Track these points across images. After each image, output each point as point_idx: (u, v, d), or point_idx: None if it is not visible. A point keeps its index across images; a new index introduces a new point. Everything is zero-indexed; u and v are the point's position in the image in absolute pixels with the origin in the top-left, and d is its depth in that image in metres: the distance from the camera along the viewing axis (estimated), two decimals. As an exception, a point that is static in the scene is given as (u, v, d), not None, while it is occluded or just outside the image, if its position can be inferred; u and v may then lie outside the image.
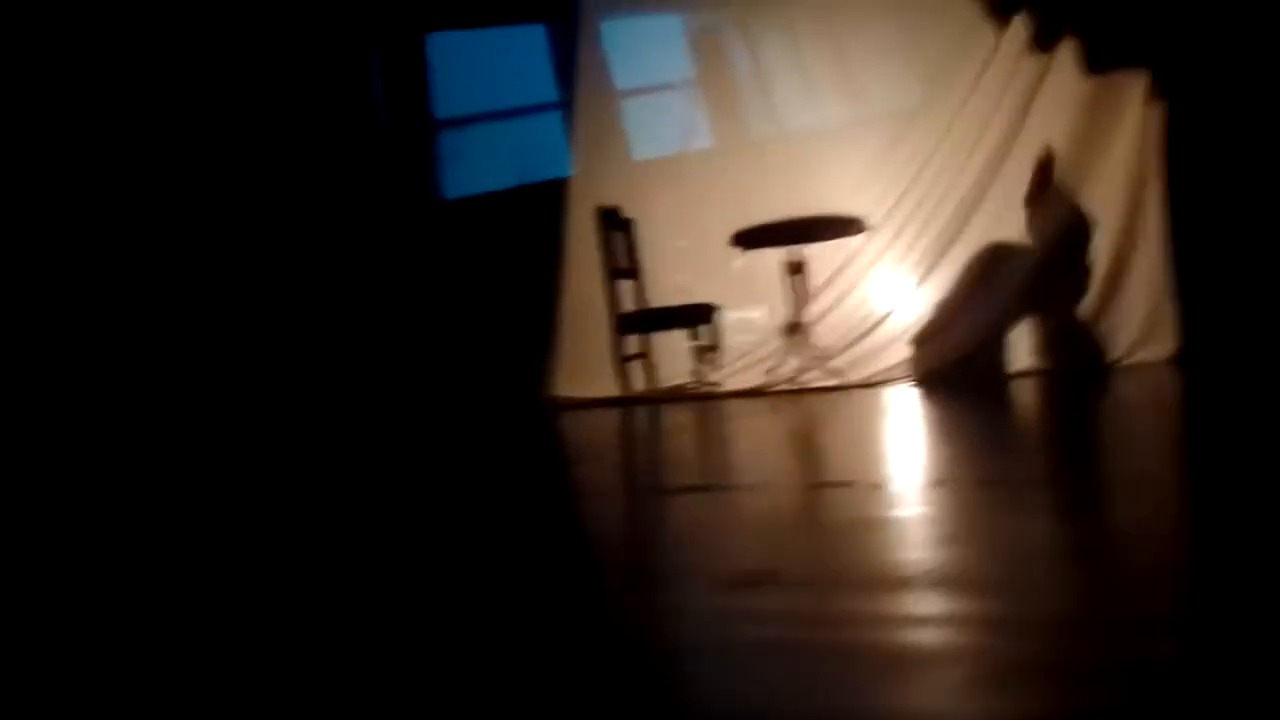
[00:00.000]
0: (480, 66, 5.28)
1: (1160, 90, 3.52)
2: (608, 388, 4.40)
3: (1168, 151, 3.53)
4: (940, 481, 1.76)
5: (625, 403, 4.30)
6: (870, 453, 2.49)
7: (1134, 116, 3.62)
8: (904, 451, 2.43)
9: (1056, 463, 2.01)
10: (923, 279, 4.08)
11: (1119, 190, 3.68)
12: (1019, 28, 3.79)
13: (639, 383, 4.42)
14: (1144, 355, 3.58)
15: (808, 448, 2.69)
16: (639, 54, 4.83)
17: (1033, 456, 2.16)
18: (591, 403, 4.36)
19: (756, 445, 2.81)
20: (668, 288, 4.55)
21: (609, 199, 4.55)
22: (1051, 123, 3.81)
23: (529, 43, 5.18)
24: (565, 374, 4.60)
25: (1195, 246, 3.53)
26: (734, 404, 4.01)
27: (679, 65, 4.76)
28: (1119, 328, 3.64)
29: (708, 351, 4.31)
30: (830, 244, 4.16)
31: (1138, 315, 3.61)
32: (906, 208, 4.10)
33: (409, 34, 5.38)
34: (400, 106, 5.41)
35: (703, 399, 4.23)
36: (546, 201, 4.83)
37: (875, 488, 1.66)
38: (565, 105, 5.00)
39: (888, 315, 4.09)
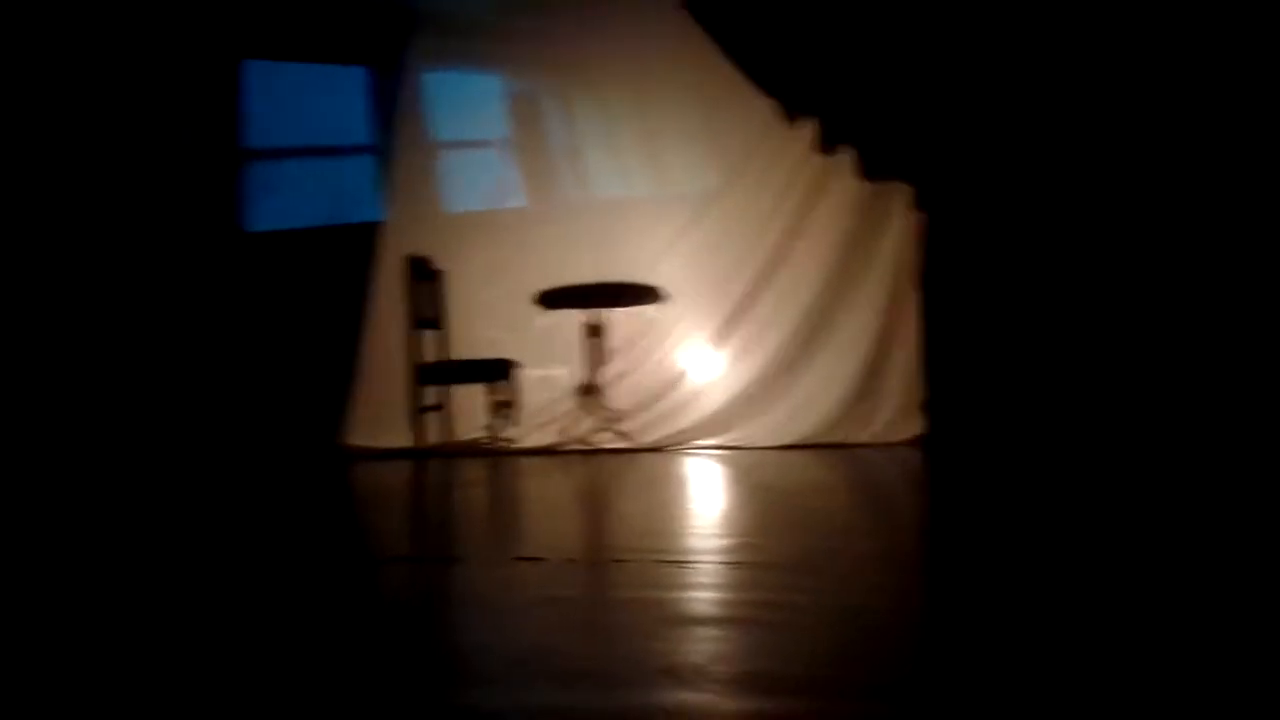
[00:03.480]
0: (296, 100, 5.17)
1: (920, 201, 3.98)
2: (402, 438, 4.38)
3: (924, 256, 3.97)
4: (621, 555, 1.94)
5: (419, 454, 4.29)
6: (603, 523, 2.66)
7: (898, 221, 4.06)
8: (640, 521, 2.61)
9: (779, 535, 2.23)
10: (713, 350, 4.35)
11: (883, 285, 4.10)
12: (805, 130, 4.17)
13: (434, 435, 4.43)
14: (895, 435, 3.98)
15: (538, 514, 2.83)
16: (458, 108, 4.90)
17: (767, 531, 2.38)
18: (385, 453, 4.32)
19: (499, 510, 2.93)
20: (472, 341, 4.60)
21: (419, 248, 4.56)
22: (831, 217, 4.19)
23: (348, 83, 5.12)
24: (361, 422, 4.54)
25: (943, 341, 3.98)
26: (525, 461, 4.11)
27: (496, 124, 4.87)
28: (877, 409, 4.03)
29: (504, 407, 4.39)
30: (629, 310, 4.37)
31: (892, 399, 4.02)
32: (702, 282, 4.37)
33: (222, 60, 5.19)
34: (208, 133, 5.19)
35: (496, 454, 4.29)
36: (355, 244, 4.77)
37: (570, 562, 1.82)
38: (380, 150, 4.98)
39: (678, 382, 4.33)
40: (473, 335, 4.62)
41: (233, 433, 4.62)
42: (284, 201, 5.17)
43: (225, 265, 5.07)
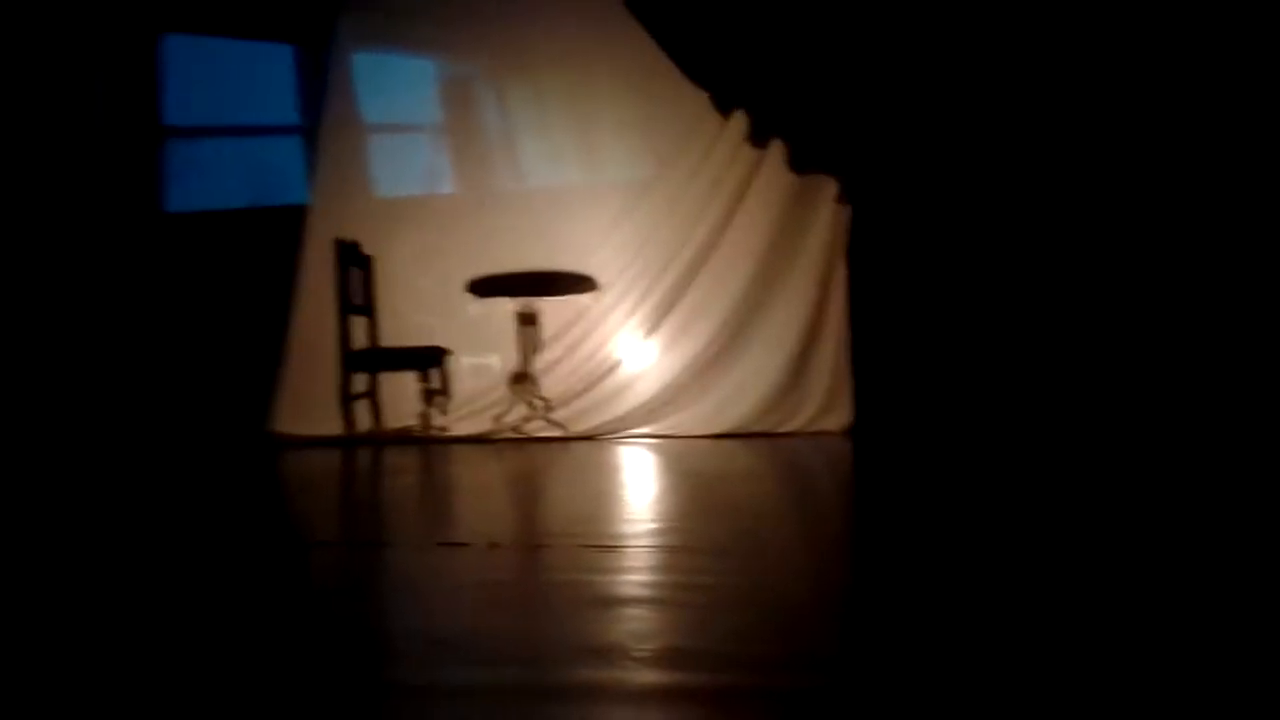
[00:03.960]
0: (219, 77, 5.02)
1: (846, 195, 4.07)
2: (331, 426, 4.31)
3: (851, 248, 4.07)
4: (549, 540, 1.96)
5: (348, 442, 4.23)
6: (533, 510, 2.68)
7: (826, 214, 4.15)
8: (569, 508, 2.64)
9: (709, 519, 2.28)
10: (644, 339, 4.38)
11: (812, 277, 4.18)
12: (738, 123, 4.22)
13: (364, 422, 4.37)
14: (823, 425, 4.08)
15: (468, 501, 2.83)
16: (389, 91, 4.82)
17: (696, 516, 2.43)
18: (313, 440, 4.25)
19: (429, 496, 2.93)
20: (403, 328, 4.54)
21: (348, 232, 4.49)
22: (761, 208, 4.26)
23: (275, 61, 5.00)
24: (288, 409, 4.45)
25: (870, 332, 4.08)
26: (457, 449, 4.09)
27: (428, 108, 4.81)
28: (805, 399, 4.12)
29: (436, 395, 4.36)
30: (562, 299, 4.37)
31: (820, 389, 4.11)
32: (634, 272, 4.40)
33: (140, 33, 5.00)
34: (125, 109, 5.00)
35: (427, 442, 4.26)
36: (281, 227, 4.66)
37: (494, 547, 1.84)
38: (307, 131, 4.87)
39: (610, 372, 4.35)
40: (403, 322, 4.57)
41: (156, 420, 4.48)
42: (206, 182, 5.03)
43: (144, 247, 4.91)
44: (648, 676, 1.10)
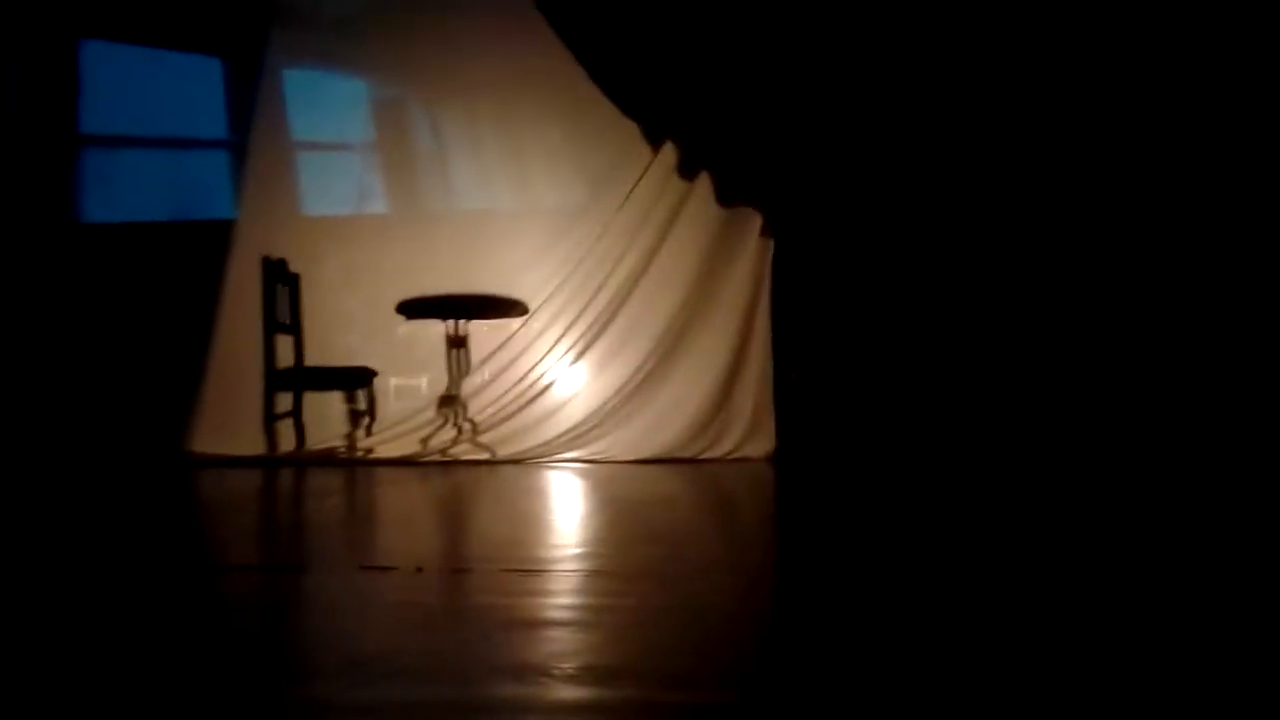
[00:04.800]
0: (142, 87, 4.91)
1: (771, 229, 4.20)
2: (253, 445, 4.23)
3: (773, 280, 4.20)
4: (474, 564, 1.98)
5: (270, 463, 4.15)
6: (457, 533, 2.69)
7: (751, 246, 4.26)
8: (493, 532, 2.65)
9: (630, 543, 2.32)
10: (572, 365, 4.42)
11: (737, 307, 4.28)
12: (667, 154, 4.32)
13: (287, 443, 4.29)
14: (746, 452, 4.17)
15: (392, 524, 2.83)
16: (321, 108, 4.79)
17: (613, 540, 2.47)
18: (233, 460, 4.15)
19: (352, 519, 2.91)
20: (329, 347, 4.49)
21: (275, 250, 4.43)
22: (689, 239, 4.35)
23: (202, 74, 4.91)
24: (208, 427, 4.34)
25: (792, 362, 4.20)
26: (381, 471, 4.05)
27: (360, 127, 4.79)
28: (729, 426, 4.21)
29: (362, 416, 4.31)
30: (492, 322, 4.38)
31: (744, 417, 4.20)
32: (563, 297, 4.44)
33: (58, 37, 4.86)
34: (39, 114, 4.85)
35: (351, 464, 4.21)
36: (205, 242, 4.57)
37: (419, 571, 1.85)
38: (234, 146, 4.80)
39: (538, 396, 4.37)
40: (329, 341, 4.52)
41: (68, 437, 4.32)
42: (126, 193, 4.90)
43: (57, 256, 4.74)
44: (567, 692, 1.14)
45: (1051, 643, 1.35)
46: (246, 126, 4.69)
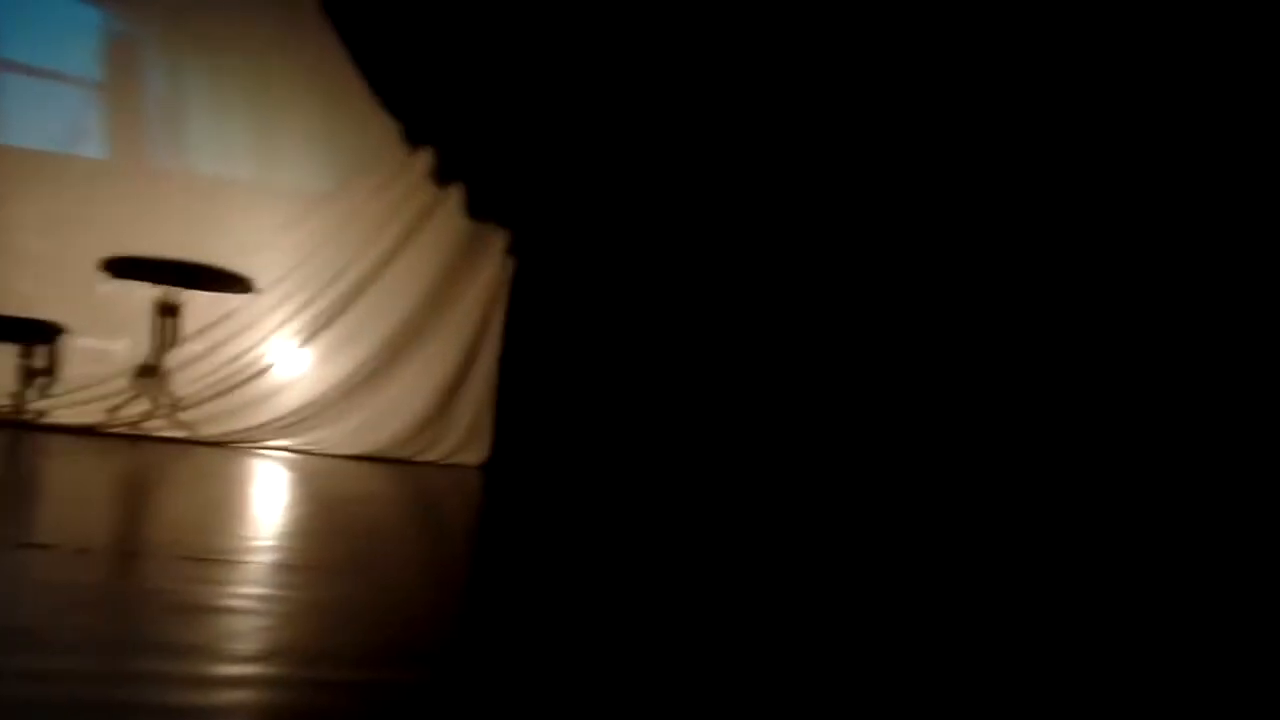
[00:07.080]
0: None
1: (515, 249, 4.34)
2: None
3: (510, 298, 4.33)
4: (148, 548, 1.94)
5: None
6: (134, 515, 2.56)
7: (494, 261, 4.39)
8: (177, 516, 2.56)
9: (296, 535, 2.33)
10: (296, 353, 4.28)
11: (471, 318, 4.38)
12: (423, 158, 4.34)
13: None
14: (460, 458, 4.26)
15: (60, 500, 2.65)
16: (36, 29, 4.28)
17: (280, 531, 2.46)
18: None
19: (12, 490, 2.68)
20: (6, 294, 4.00)
21: (-46, 175, 3.89)
22: (434, 244, 4.39)
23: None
24: None
25: (516, 379, 4.35)
26: (56, 439, 3.69)
27: (83, 59, 4.33)
28: (446, 432, 4.28)
29: (40, 375, 3.88)
30: (212, 295, 4.13)
31: (462, 424, 4.29)
32: (295, 281, 4.29)
33: None
34: None
35: (20, 427, 3.78)
36: None
37: (83, 552, 1.78)
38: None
39: (252, 379, 4.18)
40: (7, 287, 4.02)
41: None
42: None
43: None
44: (231, 670, 1.18)
45: (702, 643, 1.55)
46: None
